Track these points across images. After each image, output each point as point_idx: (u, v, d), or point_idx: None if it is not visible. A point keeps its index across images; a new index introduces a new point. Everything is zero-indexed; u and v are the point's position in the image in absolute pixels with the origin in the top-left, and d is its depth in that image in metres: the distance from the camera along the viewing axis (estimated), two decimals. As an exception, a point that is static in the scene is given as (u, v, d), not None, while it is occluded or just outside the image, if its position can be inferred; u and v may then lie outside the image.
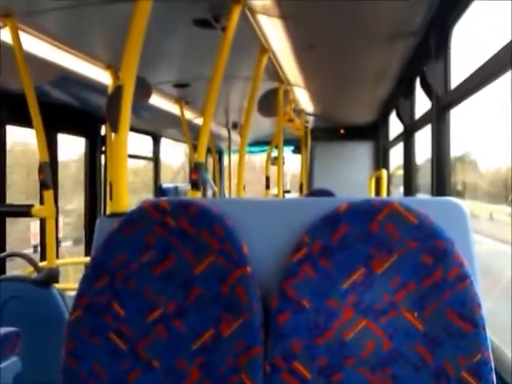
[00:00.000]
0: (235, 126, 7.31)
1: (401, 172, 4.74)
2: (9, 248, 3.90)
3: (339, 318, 1.19)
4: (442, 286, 1.16)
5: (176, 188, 6.51)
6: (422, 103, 3.46)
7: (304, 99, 5.82)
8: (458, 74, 2.63)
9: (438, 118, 2.86)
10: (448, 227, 1.21)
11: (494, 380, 1.14)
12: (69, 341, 1.25)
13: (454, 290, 1.16)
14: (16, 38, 2.86)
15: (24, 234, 4.91)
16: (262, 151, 8.16)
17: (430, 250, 1.18)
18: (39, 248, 4.43)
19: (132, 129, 1.79)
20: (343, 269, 1.21)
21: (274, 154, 6.19)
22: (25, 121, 3.24)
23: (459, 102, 2.61)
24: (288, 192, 8.18)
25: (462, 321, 1.14)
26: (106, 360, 1.23)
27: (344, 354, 1.18)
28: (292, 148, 8.15)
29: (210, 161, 8.26)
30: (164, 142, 6.99)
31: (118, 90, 1.70)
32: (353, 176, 7.52)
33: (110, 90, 3.77)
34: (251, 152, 8.76)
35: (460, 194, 3.85)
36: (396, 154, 5.68)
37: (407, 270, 1.18)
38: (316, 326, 1.19)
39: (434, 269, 1.17)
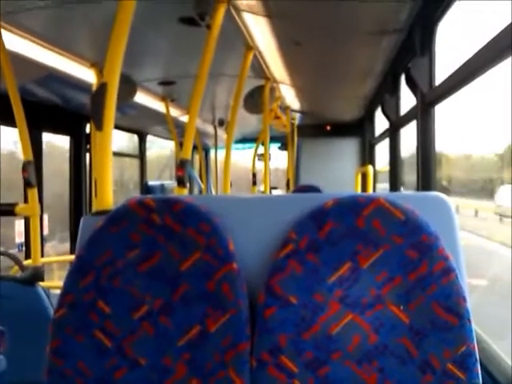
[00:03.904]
0: (221, 123, 7.30)
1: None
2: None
3: (325, 312, 1.20)
4: (427, 280, 1.17)
5: (162, 185, 6.50)
6: (407, 99, 3.49)
7: (290, 96, 5.83)
8: (444, 69, 2.65)
9: (423, 114, 2.88)
10: (433, 222, 1.22)
11: (479, 371, 1.15)
12: (54, 339, 1.24)
13: (439, 283, 1.17)
14: None
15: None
16: (250, 148, 8.17)
17: (415, 244, 1.19)
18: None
19: (117, 126, 1.79)
20: (330, 264, 1.21)
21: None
22: (8, 119, 3.21)
23: (444, 99, 2.63)
24: (275, 188, 8.19)
25: (448, 313, 1.16)
26: (91, 358, 1.22)
27: (330, 348, 1.18)
28: (279, 145, 8.17)
29: (197, 158, 8.25)
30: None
31: (102, 87, 1.69)
32: (339, 172, 7.55)
33: (94, 87, 3.75)
34: (237, 149, 8.76)
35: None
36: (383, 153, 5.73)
37: (393, 265, 1.19)
38: (302, 320, 1.20)
39: (419, 263, 1.18)
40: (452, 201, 1.31)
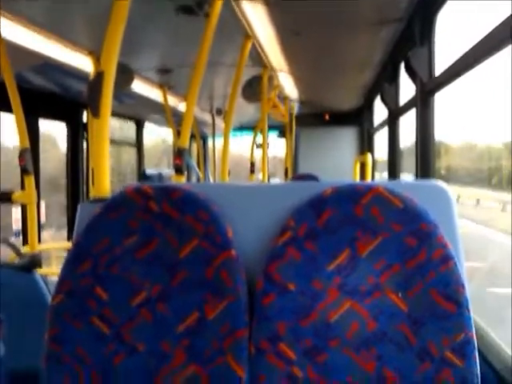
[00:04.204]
0: (219, 111, 7.28)
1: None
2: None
3: (324, 299, 1.20)
4: (426, 267, 1.17)
5: (160, 174, 6.48)
6: (407, 88, 3.48)
7: (289, 85, 5.81)
8: (444, 57, 2.64)
9: (423, 103, 2.87)
10: (432, 210, 1.22)
11: (477, 359, 1.16)
12: (51, 326, 1.24)
13: (437, 270, 1.17)
14: None
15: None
16: (246, 134, 8.17)
17: (414, 232, 1.19)
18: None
19: (114, 114, 1.78)
20: (328, 251, 1.21)
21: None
22: (4, 106, 3.21)
23: (443, 87, 2.63)
24: (273, 177, 8.19)
25: (446, 301, 1.16)
26: (89, 344, 1.22)
27: (329, 335, 1.19)
28: (277, 133, 8.15)
29: (195, 146, 8.24)
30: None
31: (99, 75, 1.68)
32: (338, 161, 7.55)
33: (91, 75, 3.73)
34: (234, 135, 8.73)
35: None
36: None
37: (392, 252, 1.19)
38: (301, 307, 1.20)
39: (418, 250, 1.18)
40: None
